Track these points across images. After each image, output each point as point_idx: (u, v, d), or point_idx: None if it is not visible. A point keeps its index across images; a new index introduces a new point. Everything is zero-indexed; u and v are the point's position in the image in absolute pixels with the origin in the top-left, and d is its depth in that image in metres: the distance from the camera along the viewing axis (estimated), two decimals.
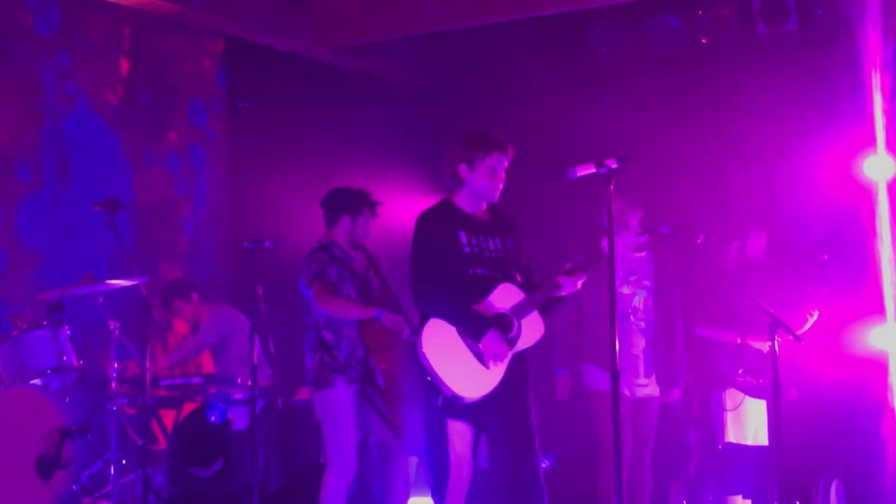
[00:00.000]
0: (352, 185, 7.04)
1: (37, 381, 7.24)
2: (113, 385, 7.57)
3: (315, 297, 6.67)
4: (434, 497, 5.71)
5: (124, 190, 9.24)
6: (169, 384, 8.21)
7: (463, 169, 5.71)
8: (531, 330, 5.66)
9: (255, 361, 6.93)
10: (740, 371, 7.42)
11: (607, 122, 8.70)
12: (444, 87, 10.55)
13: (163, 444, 8.14)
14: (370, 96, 10.54)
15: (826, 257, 7.56)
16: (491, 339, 5.51)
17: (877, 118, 8.19)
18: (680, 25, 9.56)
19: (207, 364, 9.03)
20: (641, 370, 6.91)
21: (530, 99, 9.29)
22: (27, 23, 8.82)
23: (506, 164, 5.74)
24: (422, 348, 5.50)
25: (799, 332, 6.96)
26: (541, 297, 5.70)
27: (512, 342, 5.60)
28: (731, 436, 7.46)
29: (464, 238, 5.64)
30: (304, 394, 7.87)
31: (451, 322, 5.53)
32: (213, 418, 7.82)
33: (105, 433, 7.65)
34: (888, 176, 8.12)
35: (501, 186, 5.75)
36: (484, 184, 5.70)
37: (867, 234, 8.08)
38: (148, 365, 7.28)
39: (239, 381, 8.00)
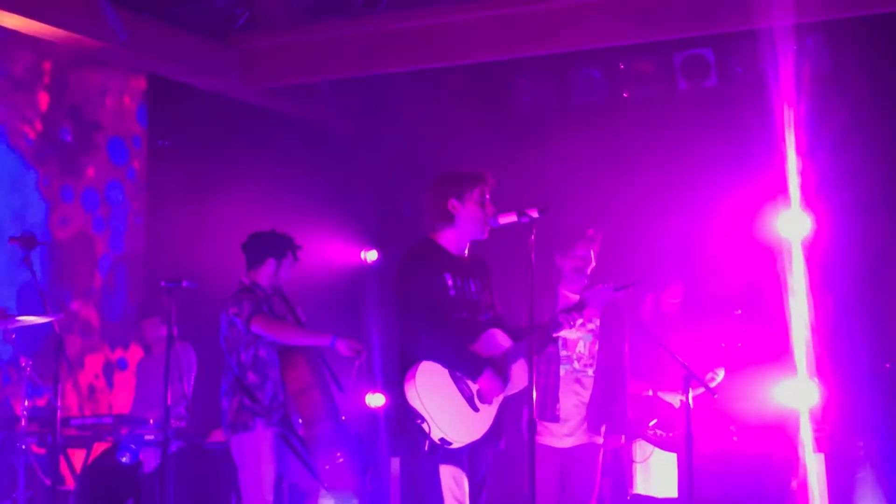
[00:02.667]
0: (276, 228, 7.03)
1: None
2: (23, 423, 7.46)
3: (263, 328, 6.63)
4: None
5: (40, 225, 9.14)
6: (80, 423, 8.10)
7: (453, 204, 5.63)
8: (518, 377, 5.60)
9: (169, 402, 6.87)
10: (651, 423, 7.49)
11: (529, 170, 8.80)
12: (368, 133, 10.61)
13: (71, 484, 8.02)
14: (295, 138, 10.55)
15: (740, 312, 7.68)
16: (488, 378, 5.46)
17: (791, 175, 8.37)
18: (602, 78, 9.71)
19: (120, 404, 8.94)
20: (578, 419, 6.71)
21: (454, 146, 9.34)
22: None
23: (489, 195, 5.67)
24: (414, 391, 5.37)
25: (711, 386, 7.06)
26: (532, 341, 5.52)
27: (503, 383, 5.55)
28: (640, 487, 7.50)
29: (449, 280, 5.57)
30: (217, 436, 7.82)
31: (447, 363, 5.45)
32: (124, 459, 7.73)
33: (13, 472, 7.54)
34: (803, 233, 8.30)
35: (490, 218, 5.63)
36: (476, 215, 5.62)
37: (780, 290, 8.24)
38: (59, 403, 7.18)
39: (151, 422, 7.92)
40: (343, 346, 6.55)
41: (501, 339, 5.63)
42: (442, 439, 5.36)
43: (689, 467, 6.47)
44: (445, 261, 5.63)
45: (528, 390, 5.45)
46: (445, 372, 5.46)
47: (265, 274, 6.90)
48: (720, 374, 7.42)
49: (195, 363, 8.24)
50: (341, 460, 6.60)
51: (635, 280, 6.06)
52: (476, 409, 5.47)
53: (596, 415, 6.63)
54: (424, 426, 5.35)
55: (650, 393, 7.44)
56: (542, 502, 6.35)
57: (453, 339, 5.49)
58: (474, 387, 5.48)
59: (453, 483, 5.45)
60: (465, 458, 5.50)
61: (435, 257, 5.63)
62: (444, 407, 5.40)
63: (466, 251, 5.74)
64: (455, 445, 5.40)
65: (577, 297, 6.48)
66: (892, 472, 7.84)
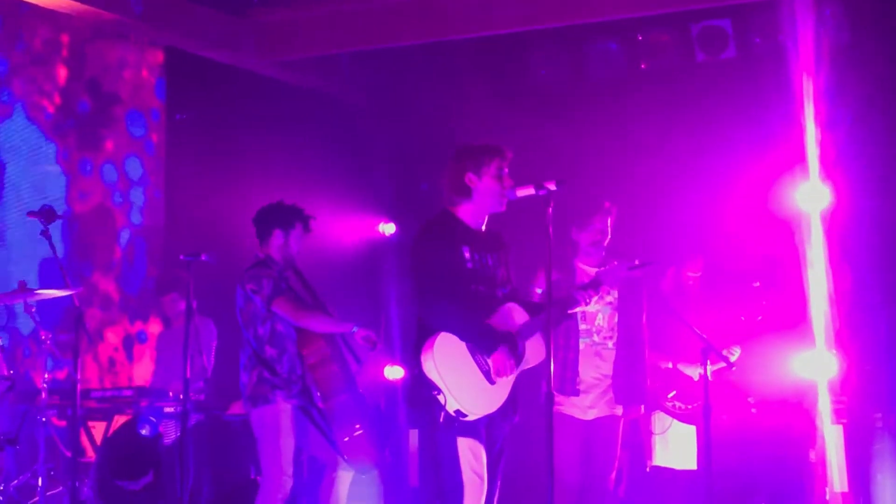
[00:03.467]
0: (284, 200, 7.02)
1: None
2: (43, 395, 7.50)
3: (285, 311, 6.63)
4: None
5: (59, 199, 9.17)
6: (100, 396, 8.15)
7: (470, 178, 5.62)
8: (534, 351, 5.61)
9: (188, 375, 6.88)
10: (670, 396, 7.49)
11: (546, 144, 8.77)
12: (385, 106, 10.59)
13: (92, 456, 8.06)
14: (312, 111, 10.54)
15: (758, 284, 7.66)
16: (501, 356, 5.46)
17: (810, 148, 8.32)
18: (619, 51, 9.67)
19: (139, 377, 8.98)
20: (599, 391, 6.67)
21: (470, 118, 9.34)
22: None
23: (507, 168, 5.67)
24: (431, 362, 5.37)
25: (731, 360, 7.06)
26: (549, 316, 5.52)
27: (517, 362, 5.55)
28: (660, 459, 7.50)
29: (466, 253, 5.57)
30: (236, 409, 7.85)
31: (463, 336, 5.44)
32: (144, 431, 7.76)
33: (34, 444, 7.58)
34: (822, 205, 8.26)
35: (508, 192, 5.61)
36: (494, 188, 5.60)
37: (799, 263, 8.21)
38: (79, 376, 7.21)
39: (171, 394, 7.96)
40: (361, 336, 6.55)
41: (518, 314, 5.63)
42: (457, 411, 5.36)
43: (707, 439, 6.47)
44: (463, 234, 5.62)
45: (545, 364, 5.45)
46: (463, 344, 5.46)
47: (275, 246, 6.88)
48: (736, 353, 7.41)
49: (216, 336, 8.26)
50: (360, 432, 6.61)
51: (649, 260, 6.04)
52: (492, 383, 5.48)
53: (620, 387, 6.62)
54: (440, 398, 5.35)
55: (669, 365, 7.44)
56: (567, 474, 6.39)
57: (470, 312, 5.49)
58: (490, 362, 5.48)
59: (471, 455, 5.45)
60: (483, 430, 5.49)
61: (453, 230, 5.62)
62: (461, 379, 5.40)
63: (484, 225, 5.73)
64: (470, 418, 5.40)
65: (593, 270, 6.48)
66: None
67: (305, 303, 6.80)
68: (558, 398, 6.42)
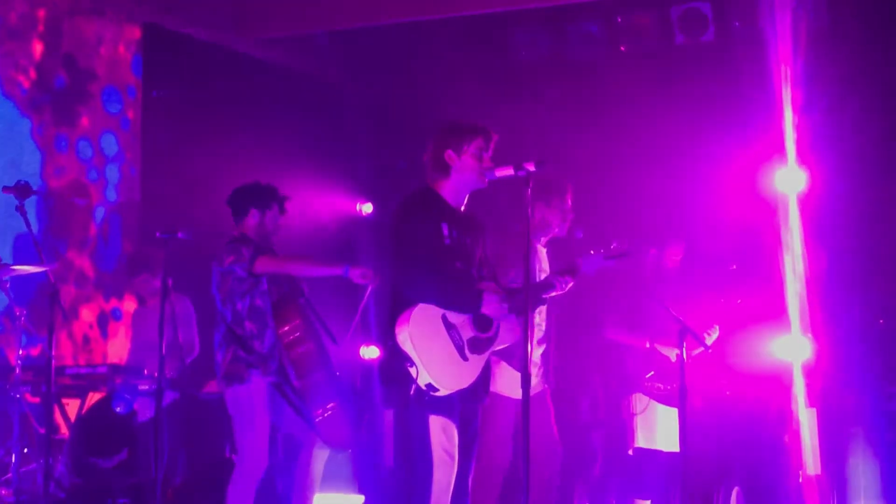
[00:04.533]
0: (260, 180, 6.98)
1: None
2: (17, 372, 7.47)
3: (270, 264, 6.57)
4: (415, 499, 5.44)
5: (33, 175, 9.09)
6: (74, 373, 8.11)
7: (450, 155, 5.60)
8: (508, 332, 5.61)
9: (164, 352, 6.85)
10: (648, 376, 7.50)
11: (525, 124, 8.75)
12: (366, 84, 10.57)
13: (66, 433, 8.03)
14: (290, 90, 10.50)
15: (735, 267, 7.68)
16: (491, 304, 5.46)
17: (787, 132, 8.34)
18: (600, 32, 9.67)
19: (114, 354, 8.93)
20: (537, 370, 6.70)
21: (449, 98, 9.31)
22: None
23: (490, 150, 5.64)
24: (405, 333, 5.34)
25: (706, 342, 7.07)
26: (525, 298, 5.51)
27: (490, 342, 5.55)
28: (642, 441, 7.50)
29: (445, 230, 5.54)
30: (211, 387, 7.82)
31: (443, 301, 5.42)
32: (118, 409, 7.73)
33: (7, 421, 7.54)
34: (798, 189, 8.28)
35: (487, 172, 5.59)
36: (472, 167, 5.59)
37: (776, 246, 8.24)
38: (53, 353, 7.17)
39: (146, 371, 7.92)
40: (356, 274, 6.49)
41: (492, 295, 5.59)
42: (429, 385, 5.32)
43: (684, 421, 6.49)
44: (442, 211, 5.61)
45: (518, 346, 5.46)
46: (439, 319, 5.44)
47: (250, 226, 6.85)
48: (715, 332, 7.43)
49: (192, 312, 8.23)
50: (330, 411, 6.59)
51: (627, 249, 6.03)
52: (465, 359, 5.46)
53: (546, 366, 6.67)
54: (413, 370, 5.32)
55: (648, 345, 7.44)
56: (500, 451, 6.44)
57: (450, 276, 5.49)
58: (466, 335, 5.46)
59: (442, 434, 5.42)
60: (457, 410, 5.48)
61: (433, 206, 5.61)
62: (434, 352, 5.37)
63: (464, 205, 5.71)
64: (441, 392, 5.36)
65: (543, 251, 6.57)
66: (883, 427, 7.88)
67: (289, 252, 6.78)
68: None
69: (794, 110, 8.36)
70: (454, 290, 5.48)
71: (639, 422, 7.45)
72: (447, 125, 5.73)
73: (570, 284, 5.90)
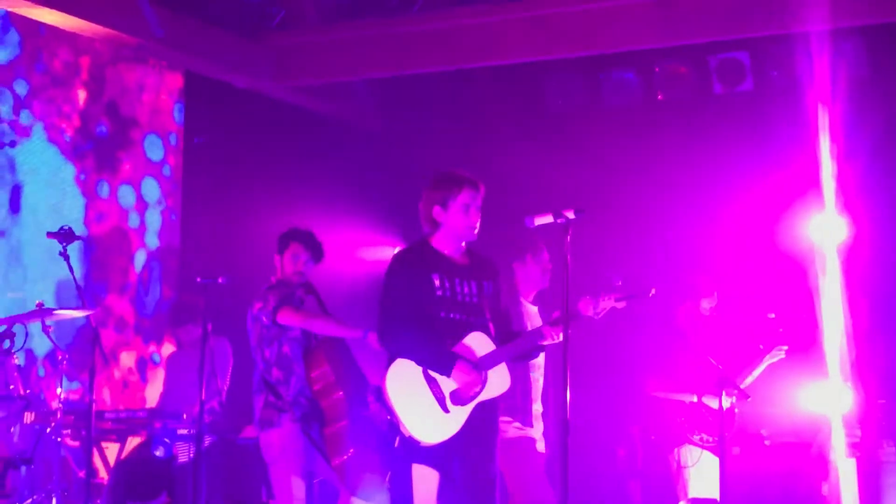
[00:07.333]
0: (298, 226, 7.04)
1: None
2: (58, 416, 7.51)
3: (291, 318, 6.62)
4: None
5: (76, 220, 9.19)
6: (114, 417, 8.14)
7: (437, 211, 5.66)
8: (497, 380, 5.61)
9: (203, 398, 6.88)
10: (696, 431, 7.42)
11: (561, 172, 8.79)
12: (401, 132, 10.62)
13: (105, 477, 8.06)
14: (327, 136, 10.59)
15: (773, 316, 7.64)
16: (461, 370, 5.47)
17: (825, 181, 8.33)
18: (636, 80, 9.69)
19: (153, 398, 8.96)
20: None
21: (486, 146, 9.38)
22: None
23: (479, 200, 5.68)
24: (385, 388, 5.46)
25: (743, 387, 7.03)
26: (516, 348, 5.67)
27: (475, 394, 5.54)
28: (694, 491, 7.39)
29: (436, 280, 5.58)
30: (249, 432, 7.84)
31: (418, 360, 5.49)
32: (158, 453, 7.76)
33: (48, 464, 7.58)
34: (838, 238, 8.26)
35: (478, 223, 5.67)
36: (460, 222, 5.64)
37: (813, 295, 8.21)
38: (93, 396, 7.22)
39: (185, 416, 7.95)
40: (374, 340, 6.53)
41: (482, 343, 5.61)
42: (410, 437, 5.42)
43: (724, 468, 6.47)
44: (435, 261, 5.64)
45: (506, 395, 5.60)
46: (419, 372, 5.49)
47: (278, 268, 6.91)
48: (783, 351, 7.38)
49: (231, 357, 8.26)
50: (349, 457, 6.60)
51: (636, 292, 5.93)
52: (447, 411, 5.49)
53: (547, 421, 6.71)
54: (396, 422, 5.43)
55: (694, 399, 7.36)
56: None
57: (428, 336, 5.50)
58: (447, 388, 5.49)
59: (421, 483, 5.49)
60: (449, 458, 5.49)
61: (424, 257, 5.65)
62: (413, 406, 5.45)
63: (466, 255, 5.73)
64: (423, 444, 5.44)
65: (533, 308, 6.62)
66: None
67: (313, 310, 6.81)
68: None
69: (834, 159, 8.35)
70: (428, 354, 5.50)
71: (693, 473, 7.34)
72: (435, 178, 5.75)
73: (562, 334, 5.71)
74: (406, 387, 5.48)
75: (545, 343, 5.77)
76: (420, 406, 5.47)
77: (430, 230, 5.73)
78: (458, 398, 5.51)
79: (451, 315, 5.59)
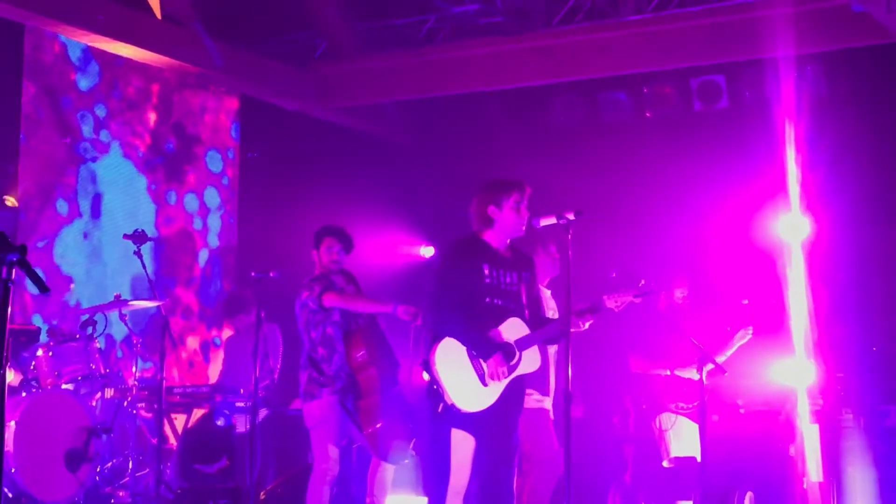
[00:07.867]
0: (331, 224, 7.02)
1: (69, 386, 7.24)
2: (133, 391, 7.58)
3: (334, 300, 6.64)
4: (431, 499, 5.60)
5: (148, 224, 9.26)
6: (181, 391, 8.20)
7: (492, 210, 5.63)
8: (530, 360, 5.62)
9: (258, 375, 6.93)
10: (673, 400, 7.44)
11: (563, 180, 8.79)
12: (426, 146, 10.66)
13: (174, 443, 8.12)
14: (363, 151, 10.63)
15: (746, 301, 7.64)
16: (495, 361, 5.46)
17: (791, 186, 8.33)
18: (628, 100, 9.69)
19: (214, 376, 9.01)
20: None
21: (498, 158, 9.38)
22: (71, 79, 8.88)
23: (526, 200, 5.67)
24: (434, 362, 5.44)
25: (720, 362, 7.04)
26: (545, 334, 5.67)
27: (512, 368, 5.55)
28: (676, 450, 7.41)
29: (486, 270, 5.56)
30: (297, 404, 7.88)
31: (464, 342, 5.48)
32: (219, 422, 7.81)
33: (125, 433, 7.66)
34: (803, 235, 8.27)
35: (527, 219, 5.65)
36: (512, 219, 5.62)
37: (782, 285, 8.21)
38: (163, 374, 7.29)
39: (242, 391, 8.00)
40: (402, 311, 6.53)
41: (519, 327, 5.61)
42: (452, 404, 5.42)
43: (704, 434, 6.49)
44: (485, 253, 5.62)
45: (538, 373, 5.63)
46: (464, 350, 5.48)
47: (315, 261, 6.93)
48: (749, 332, 7.38)
49: (281, 341, 8.30)
50: (380, 426, 6.61)
51: (652, 288, 5.96)
52: (485, 385, 5.49)
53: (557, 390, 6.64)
54: (440, 391, 5.43)
55: (668, 372, 7.39)
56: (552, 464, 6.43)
57: (473, 322, 5.48)
58: (486, 366, 5.48)
59: (460, 446, 5.48)
60: (484, 426, 5.48)
61: (476, 249, 5.62)
62: (456, 378, 5.44)
63: (510, 249, 5.71)
64: (463, 411, 5.43)
65: (547, 291, 6.57)
66: (877, 440, 7.79)
67: (351, 294, 6.84)
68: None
69: (798, 167, 8.34)
70: (472, 339, 5.49)
71: (671, 436, 7.37)
72: (488, 182, 5.74)
73: (590, 322, 5.84)
74: (452, 361, 5.45)
75: (572, 330, 5.76)
76: (463, 379, 5.45)
77: (480, 227, 5.69)
78: (491, 375, 5.50)
79: (495, 301, 5.57)
